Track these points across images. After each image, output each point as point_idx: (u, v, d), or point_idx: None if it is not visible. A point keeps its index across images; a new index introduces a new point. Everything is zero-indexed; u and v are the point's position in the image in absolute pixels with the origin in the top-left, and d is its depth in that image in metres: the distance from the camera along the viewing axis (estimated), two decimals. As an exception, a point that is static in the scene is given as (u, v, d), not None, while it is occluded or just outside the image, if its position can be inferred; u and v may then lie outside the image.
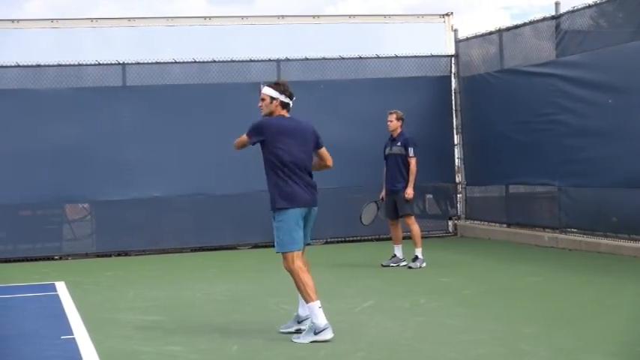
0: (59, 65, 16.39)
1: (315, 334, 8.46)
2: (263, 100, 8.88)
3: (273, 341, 8.56)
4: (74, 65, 16.46)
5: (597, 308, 9.90)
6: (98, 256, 16.49)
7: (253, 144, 8.82)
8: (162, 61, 16.85)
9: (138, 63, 16.76)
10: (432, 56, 18.27)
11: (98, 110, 16.43)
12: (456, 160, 18.39)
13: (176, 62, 16.94)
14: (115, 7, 41.97)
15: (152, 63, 16.80)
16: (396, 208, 13.72)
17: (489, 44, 17.60)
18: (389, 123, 13.76)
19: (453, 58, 18.37)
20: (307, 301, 8.59)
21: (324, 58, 17.59)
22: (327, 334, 8.45)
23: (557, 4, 15.36)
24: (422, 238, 13.80)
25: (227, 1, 41.37)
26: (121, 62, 16.68)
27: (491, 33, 17.36)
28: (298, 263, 8.67)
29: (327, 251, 16.38)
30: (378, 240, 16.97)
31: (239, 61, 17.13)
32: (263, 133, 8.73)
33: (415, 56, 18.11)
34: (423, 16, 18.65)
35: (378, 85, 17.61)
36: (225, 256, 16.28)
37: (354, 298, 10.86)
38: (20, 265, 15.79)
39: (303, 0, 43.37)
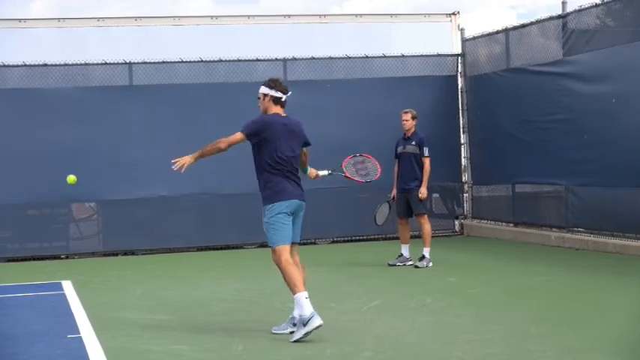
0: (65, 64, 16.41)
1: (304, 325, 8.48)
2: (259, 98, 9.08)
3: (280, 340, 8.56)
4: (80, 64, 16.48)
5: (604, 308, 9.88)
6: (105, 255, 16.51)
7: (252, 141, 8.85)
8: (168, 60, 16.84)
9: (144, 62, 16.77)
10: (439, 55, 18.26)
11: (104, 109, 16.45)
12: (463, 160, 18.37)
13: (183, 62, 16.94)
14: (122, 7, 42.02)
15: (159, 62, 16.80)
16: (407, 207, 13.71)
17: (496, 43, 17.58)
18: (404, 122, 13.73)
19: (459, 58, 18.36)
20: (294, 292, 8.61)
21: (330, 58, 17.58)
22: (316, 321, 8.47)
23: (564, 3, 15.33)
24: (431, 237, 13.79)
25: (232, 1, 41.34)
26: (128, 61, 16.69)
27: (497, 32, 17.34)
28: (286, 256, 8.74)
29: (333, 251, 16.39)
30: (384, 239, 16.95)
31: (245, 61, 17.13)
32: (264, 131, 8.79)
33: (422, 55, 18.09)
34: (429, 15, 18.64)
35: (384, 85, 17.60)
36: (231, 255, 16.28)
37: (360, 298, 10.86)
38: (27, 264, 15.81)
39: (308, 0, 43.35)
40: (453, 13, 18.45)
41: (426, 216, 13.78)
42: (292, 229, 8.89)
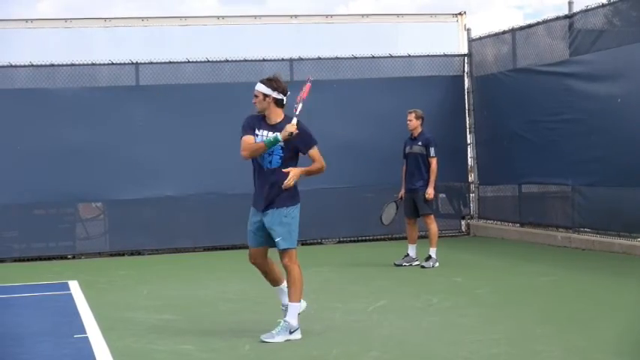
0: (72, 65, 16.42)
1: (290, 332, 8.55)
2: (256, 96, 8.81)
3: (286, 340, 8.55)
4: (87, 65, 16.50)
5: (610, 308, 9.88)
6: (111, 255, 16.53)
7: None
8: (175, 60, 16.85)
9: (151, 62, 16.78)
10: (445, 56, 18.24)
11: (111, 110, 16.47)
12: (469, 160, 18.35)
13: (189, 62, 16.95)
14: (128, 7, 42.09)
15: (165, 62, 16.81)
16: (414, 207, 13.71)
17: (502, 43, 17.56)
18: (408, 122, 13.74)
19: (466, 58, 18.34)
20: (297, 300, 8.63)
21: (337, 58, 17.58)
22: (299, 334, 8.58)
23: (570, 3, 15.32)
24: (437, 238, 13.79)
25: (238, 1, 41.40)
26: (134, 62, 16.70)
27: (504, 32, 17.33)
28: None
29: (339, 251, 16.40)
30: (391, 239, 16.95)
31: (252, 61, 17.12)
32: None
33: (428, 55, 18.08)
34: (436, 15, 18.64)
35: (391, 85, 17.60)
36: (238, 255, 16.22)
37: (366, 298, 10.86)
38: (34, 264, 15.84)
39: (314, 0, 43.38)
40: (460, 13, 18.45)
41: (432, 216, 13.78)
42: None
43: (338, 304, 10.50)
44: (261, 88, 8.80)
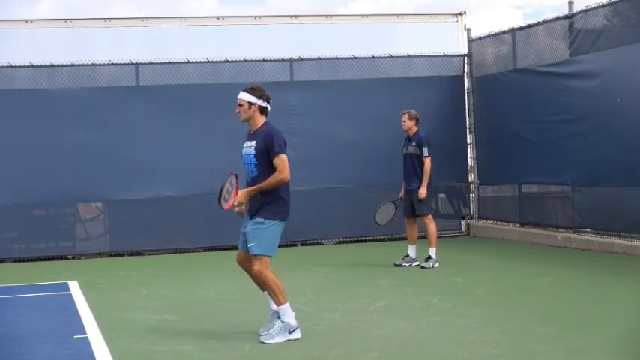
0: (72, 65, 16.43)
1: (290, 332, 8.57)
2: (240, 105, 8.74)
3: (286, 341, 8.55)
4: (87, 65, 16.51)
5: (610, 308, 9.88)
6: (111, 255, 16.53)
7: None
8: (175, 60, 16.86)
9: (151, 63, 16.79)
10: (445, 56, 18.25)
11: (111, 110, 16.48)
12: (469, 160, 18.36)
13: (189, 62, 16.96)
14: (128, 7, 42.09)
15: (165, 63, 16.82)
16: (412, 208, 13.71)
17: (502, 44, 17.57)
18: (402, 123, 13.75)
19: (465, 58, 18.35)
20: (281, 303, 8.61)
21: (337, 58, 17.59)
22: (298, 333, 8.60)
23: (570, 4, 15.32)
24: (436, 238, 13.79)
25: (238, 1, 41.40)
26: (134, 62, 16.71)
27: (504, 32, 17.33)
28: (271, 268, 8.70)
29: (339, 251, 16.40)
30: (391, 239, 16.96)
31: (252, 61, 17.14)
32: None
33: (428, 56, 18.09)
34: (436, 15, 18.64)
35: (391, 85, 17.61)
36: (237, 255, 16.26)
37: (366, 298, 10.86)
38: (34, 264, 15.84)
39: (313, 0, 43.38)
40: (460, 14, 18.45)
41: (430, 216, 13.77)
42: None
43: (338, 304, 10.50)
44: (245, 96, 8.74)
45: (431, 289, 11.46)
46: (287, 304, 8.64)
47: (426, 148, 13.57)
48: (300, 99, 17.19)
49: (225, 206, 8.85)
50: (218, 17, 17.67)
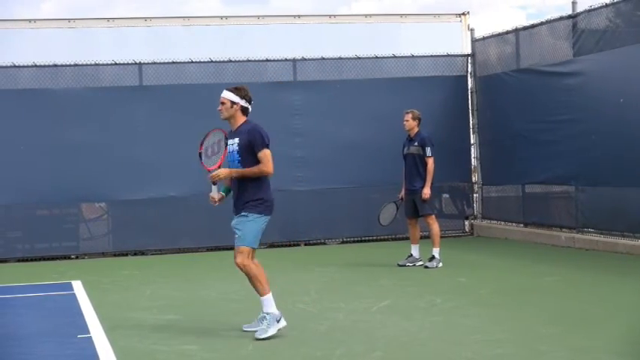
0: (76, 65, 16.45)
1: (277, 322, 8.70)
2: (223, 104, 9.01)
3: (289, 340, 8.56)
4: (91, 65, 16.52)
5: (614, 308, 9.87)
6: (115, 255, 16.54)
7: None
8: (178, 60, 16.87)
9: (154, 63, 16.79)
10: (449, 56, 18.24)
11: (114, 110, 16.49)
12: (473, 160, 18.35)
13: (192, 62, 16.96)
14: (131, 7, 42.08)
15: (168, 63, 16.83)
16: (415, 208, 13.69)
17: (506, 44, 17.56)
18: (405, 123, 13.74)
19: (469, 58, 18.34)
20: (264, 294, 8.75)
21: (340, 58, 17.59)
22: (284, 321, 8.77)
23: (574, 4, 15.31)
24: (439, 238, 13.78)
25: (242, 1, 41.35)
26: (138, 62, 16.72)
27: (507, 32, 17.32)
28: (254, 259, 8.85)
29: (343, 251, 16.39)
30: (394, 240, 16.96)
31: (255, 61, 17.14)
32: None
33: (431, 56, 18.08)
34: (439, 15, 18.62)
35: (394, 85, 17.60)
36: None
37: (370, 298, 10.85)
38: (37, 264, 15.85)
39: (316, 0, 43.34)
40: (463, 14, 18.44)
41: (433, 216, 13.76)
42: None
43: (342, 304, 10.50)
44: (228, 95, 9.02)
45: (434, 289, 11.45)
46: (269, 295, 8.77)
47: (429, 148, 13.55)
48: (303, 99, 17.18)
49: (211, 165, 8.98)
50: (221, 17, 17.67)
